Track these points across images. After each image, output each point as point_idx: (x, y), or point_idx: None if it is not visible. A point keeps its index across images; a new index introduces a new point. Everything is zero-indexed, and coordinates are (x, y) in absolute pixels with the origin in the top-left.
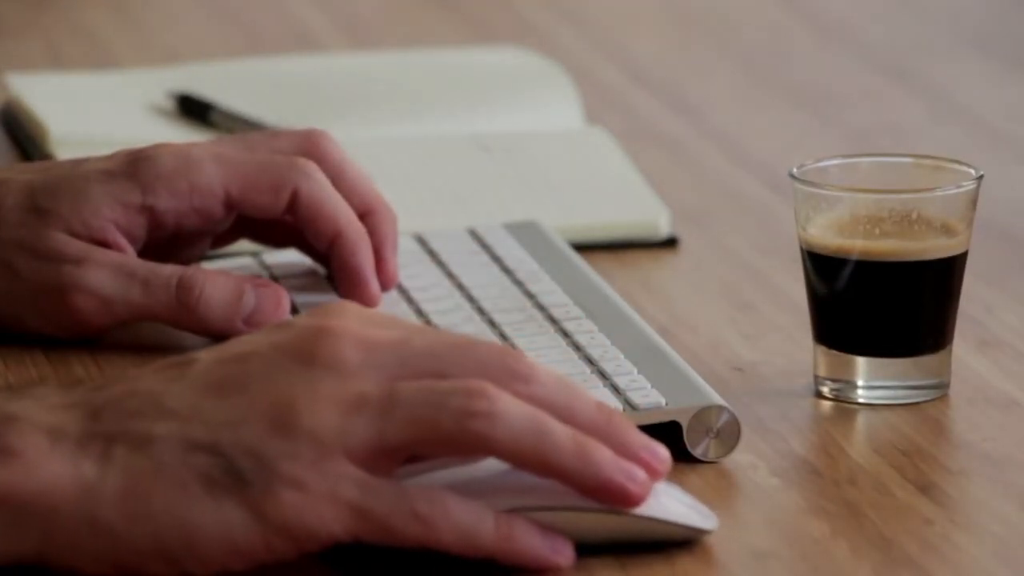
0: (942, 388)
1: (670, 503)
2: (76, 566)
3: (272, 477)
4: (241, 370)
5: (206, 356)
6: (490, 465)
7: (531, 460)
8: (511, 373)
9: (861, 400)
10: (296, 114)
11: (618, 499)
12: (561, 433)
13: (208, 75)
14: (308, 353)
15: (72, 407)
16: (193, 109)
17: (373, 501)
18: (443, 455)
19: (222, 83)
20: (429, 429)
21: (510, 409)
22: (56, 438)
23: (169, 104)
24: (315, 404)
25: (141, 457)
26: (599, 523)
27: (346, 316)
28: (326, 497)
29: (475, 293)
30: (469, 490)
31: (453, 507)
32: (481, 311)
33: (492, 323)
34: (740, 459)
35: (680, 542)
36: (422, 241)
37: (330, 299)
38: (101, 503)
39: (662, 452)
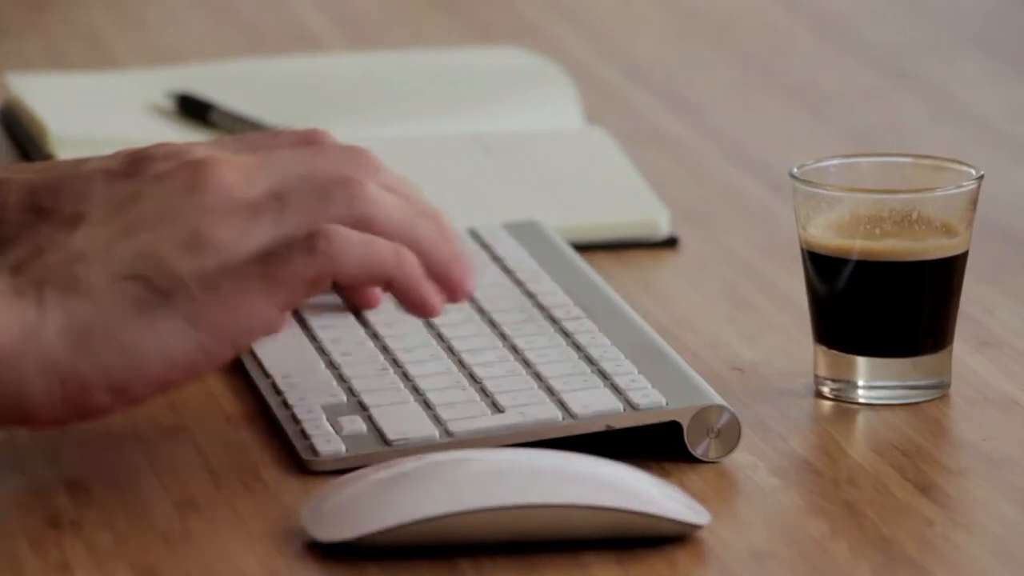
0: (942, 388)
1: (663, 499)
2: (27, 411)
3: (192, 288)
4: (138, 209)
5: (94, 207)
6: (494, 460)
7: (400, 233)
8: (364, 167)
9: (861, 400)
10: (296, 114)
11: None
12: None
13: (208, 75)
14: (193, 181)
15: None
16: (193, 109)
17: (276, 264)
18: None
19: (222, 83)
20: (320, 217)
21: (381, 191)
22: None
23: (169, 104)
24: (214, 220)
25: (74, 295)
26: (593, 519)
27: (208, 148)
28: (240, 291)
29: (475, 293)
30: (474, 484)
31: (351, 236)
32: (481, 311)
33: (492, 323)
34: (740, 459)
35: (678, 541)
36: None
37: (331, 301)
38: (47, 342)
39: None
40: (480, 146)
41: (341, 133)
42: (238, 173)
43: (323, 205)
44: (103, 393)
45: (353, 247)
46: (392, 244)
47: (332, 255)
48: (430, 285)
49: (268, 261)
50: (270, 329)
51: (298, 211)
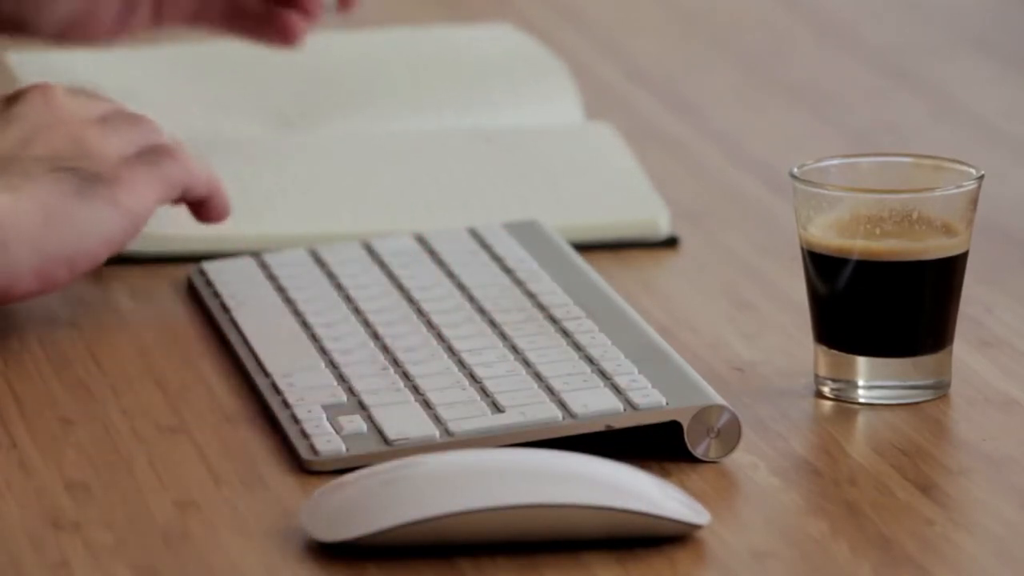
0: (942, 388)
1: (663, 499)
2: (10, 283)
3: (107, 176)
4: (18, 125)
5: None
6: (494, 460)
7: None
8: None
9: (861, 400)
10: (296, 112)
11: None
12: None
13: (206, 56)
14: (46, 100)
15: None
16: None
17: (152, 163)
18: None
19: (220, 69)
20: (140, 131)
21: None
22: None
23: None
24: (83, 129)
25: (30, 181)
26: (593, 519)
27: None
28: (137, 181)
29: (475, 293)
30: (474, 484)
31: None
32: (481, 311)
33: (492, 323)
34: (740, 459)
35: (678, 541)
36: (422, 241)
37: (331, 301)
38: (24, 220)
39: None
40: (481, 138)
41: (341, 130)
42: (71, 98)
43: (136, 125)
44: (62, 267)
45: (192, 159)
46: None
47: (184, 162)
48: None
49: (144, 161)
50: (149, 215)
51: (123, 128)
